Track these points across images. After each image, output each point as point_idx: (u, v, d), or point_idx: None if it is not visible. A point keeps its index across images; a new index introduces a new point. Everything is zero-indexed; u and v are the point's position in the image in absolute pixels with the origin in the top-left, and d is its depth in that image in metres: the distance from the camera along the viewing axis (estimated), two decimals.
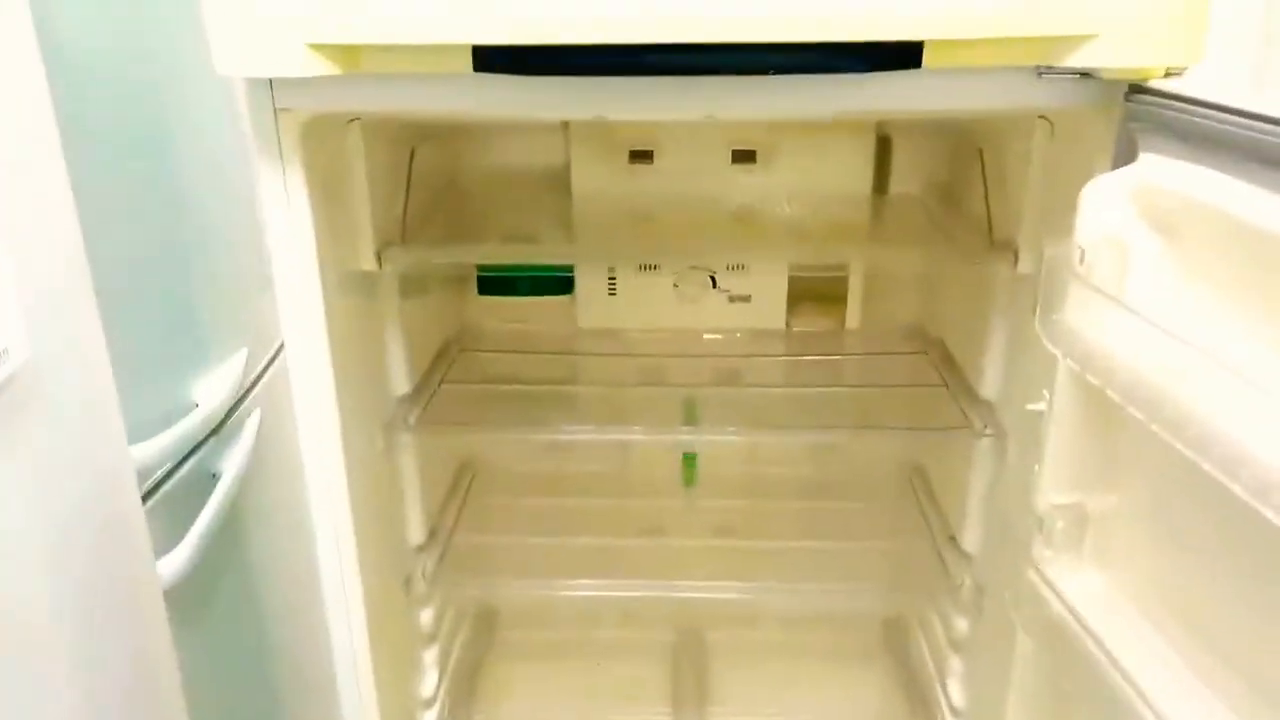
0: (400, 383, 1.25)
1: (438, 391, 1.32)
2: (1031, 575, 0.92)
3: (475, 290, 1.49)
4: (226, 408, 1.28)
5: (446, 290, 1.47)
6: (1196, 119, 0.74)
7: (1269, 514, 0.60)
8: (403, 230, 1.20)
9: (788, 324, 1.49)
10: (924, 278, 1.48)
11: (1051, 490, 0.91)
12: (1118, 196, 0.80)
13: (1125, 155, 0.84)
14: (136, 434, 0.96)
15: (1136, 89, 0.82)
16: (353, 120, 1.03)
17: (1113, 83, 0.83)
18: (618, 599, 1.36)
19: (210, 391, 1.25)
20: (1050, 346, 0.86)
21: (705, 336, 1.49)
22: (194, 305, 1.23)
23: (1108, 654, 0.82)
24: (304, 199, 0.92)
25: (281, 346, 1.50)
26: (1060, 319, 0.86)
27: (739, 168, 1.38)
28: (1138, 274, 0.81)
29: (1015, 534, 1.00)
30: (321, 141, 0.95)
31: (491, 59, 0.79)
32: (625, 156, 1.38)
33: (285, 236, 0.95)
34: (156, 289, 1.14)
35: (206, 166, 1.27)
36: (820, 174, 1.37)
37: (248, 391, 1.33)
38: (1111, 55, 0.79)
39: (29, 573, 0.72)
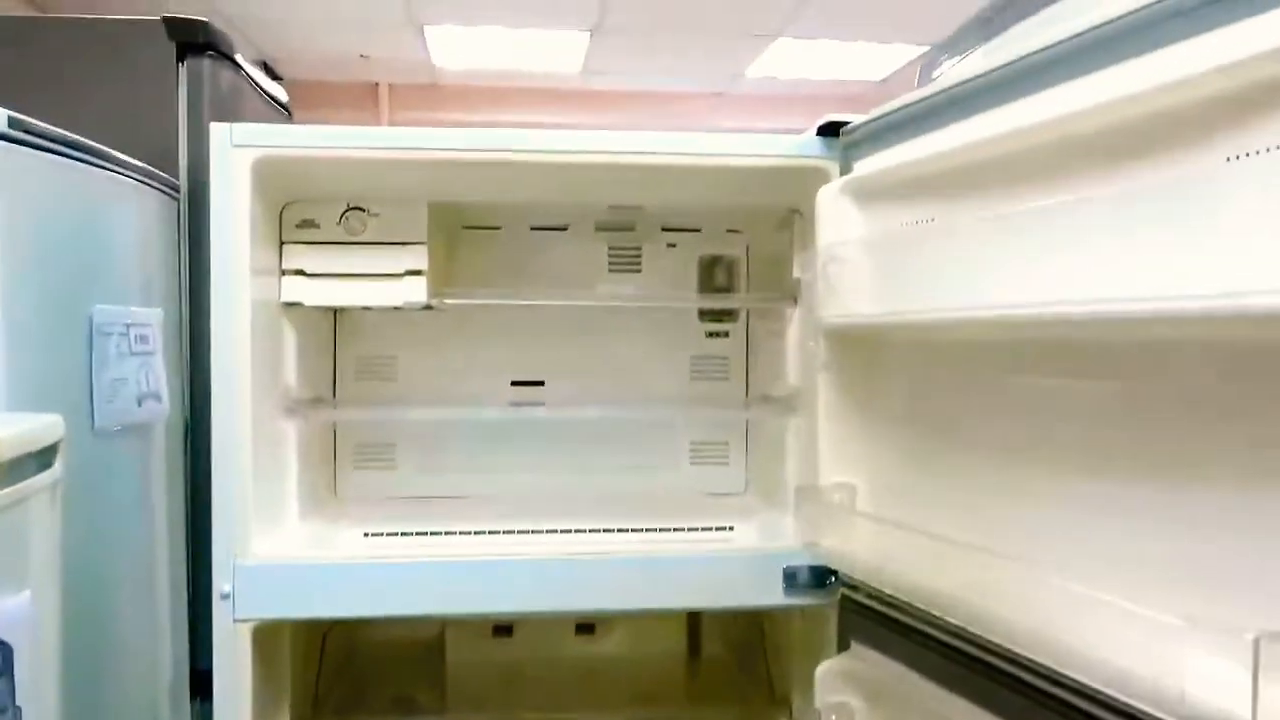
0: None
1: None
2: None
3: None
4: None
5: None
6: (874, 621, 1.16)
7: None
8: (315, 701, 1.47)
9: None
10: None
11: None
12: (836, 676, 1.19)
13: (843, 644, 1.25)
14: None
15: (846, 598, 1.24)
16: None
17: (831, 590, 1.25)
18: None
19: None
20: None
21: None
22: None
23: None
24: (248, 698, 1.21)
25: None
26: None
27: (582, 638, 1.73)
28: None
29: None
30: (264, 642, 1.26)
31: None
32: (489, 631, 1.72)
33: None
34: None
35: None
36: (646, 641, 1.74)
37: None
38: None
39: None
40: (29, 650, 0.95)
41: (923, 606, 0.99)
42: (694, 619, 1.78)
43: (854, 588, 1.21)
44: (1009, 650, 0.87)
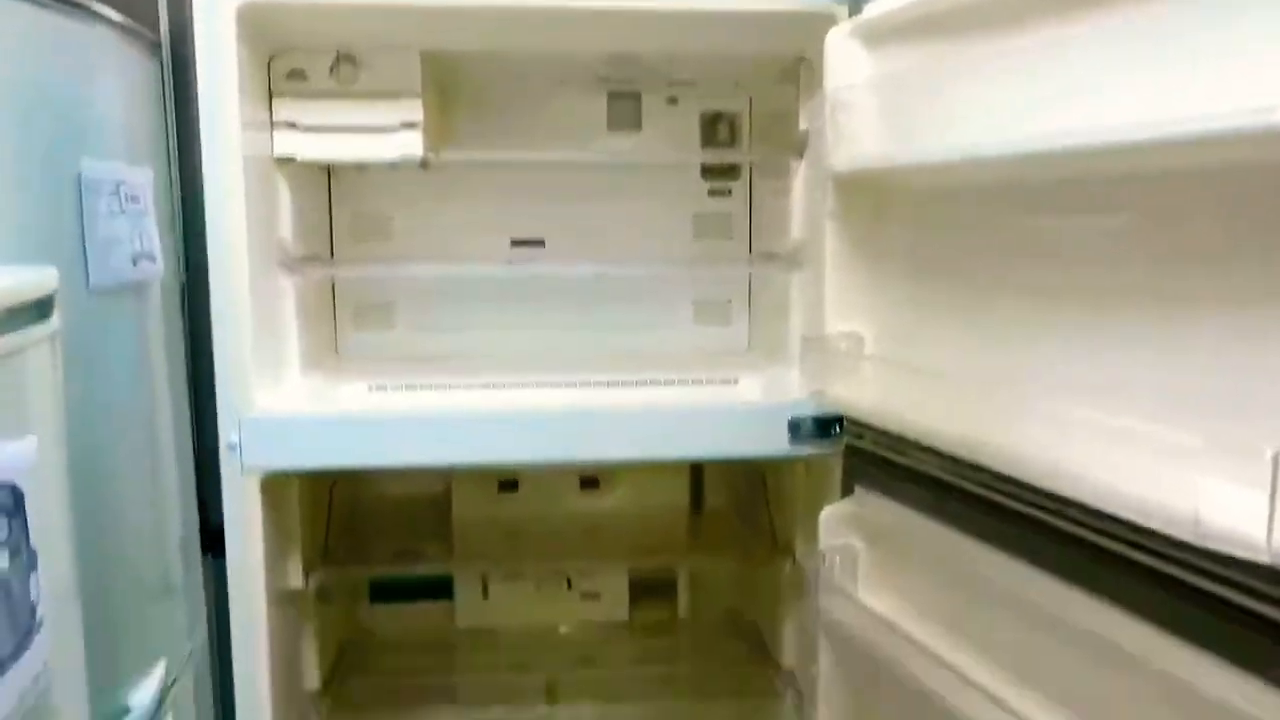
0: (311, 679, 1.49)
1: (341, 687, 1.56)
2: None
3: (368, 600, 1.76)
4: (151, 713, 1.49)
5: (346, 600, 1.74)
6: (878, 467, 1.17)
7: None
8: (325, 549, 1.50)
9: (630, 615, 1.82)
10: (735, 574, 1.86)
11: None
12: (840, 520, 1.21)
13: (847, 489, 1.26)
14: None
15: (850, 447, 1.25)
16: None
17: (836, 439, 1.26)
18: None
19: (139, 698, 1.47)
20: (813, 619, 1.24)
21: (562, 629, 1.80)
22: (135, 623, 1.48)
23: None
24: (260, 544, 1.23)
25: (188, 658, 1.73)
26: (816, 602, 1.23)
27: (586, 492, 1.76)
28: (861, 569, 1.21)
29: None
30: (272, 494, 1.27)
31: None
32: (495, 487, 1.74)
33: (245, 571, 1.24)
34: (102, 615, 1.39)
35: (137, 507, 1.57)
36: (649, 495, 1.77)
37: (164, 696, 1.54)
38: None
39: None
40: (39, 496, 0.96)
41: (930, 444, 0.99)
42: (696, 474, 1.81)
43: (859, 436, 1.22)
44: (1018, 479, 0.87)
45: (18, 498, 0.93)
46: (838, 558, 1.21)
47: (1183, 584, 0.76)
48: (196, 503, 1.78)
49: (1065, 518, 0.86)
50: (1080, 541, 0.85)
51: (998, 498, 0.95)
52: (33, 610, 0.94)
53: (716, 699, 1.64)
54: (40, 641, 0.95)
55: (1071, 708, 0.89)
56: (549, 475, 1.75)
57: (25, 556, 0.93)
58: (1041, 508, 0.89)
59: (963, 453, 0.93)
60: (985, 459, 0.90)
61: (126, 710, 1.43)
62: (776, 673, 1.59)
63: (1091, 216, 0.92)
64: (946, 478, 1.03)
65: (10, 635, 0.89)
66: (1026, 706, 0.91)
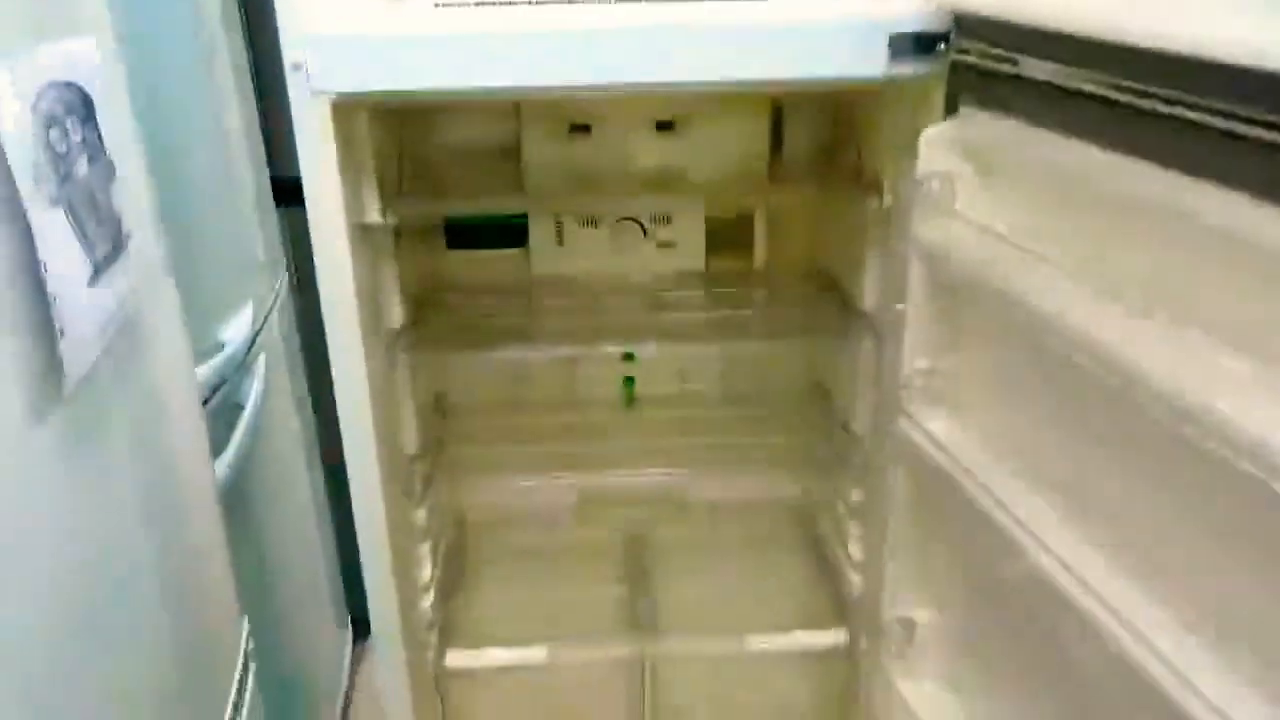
0: (395, 317, 1.51)
1: (425, 323, 1.59)
2: (902, 420, 1.25)
3: (444, 246, 1.76)
4: (245, 349, 1.53)
5: (422, 245, 1.74)
6: (990, 81, 1.08)
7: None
8: (399, 188, 1.47)
9: (707, 264, 1.80)
10: (814, 221, 1.81)
11: (912, 358, 1.23)
12: (944, 141, 1.13)
13: (951, 109, 1.17)
14: None
15: (956, 64, 1.15)
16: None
17: (940, 56, 1.16)
18: (575, 493, 1.66)
19: (231, 336, 1.50)
20: (905, 250, 1.19)
21: (636, 278, 1.79)
22: (218, 268, 1.49)
23: (959, 464, 1.15)
24: (335, 172, 1.19)
25: (274, 303, 1.76)
26: (911, 229, 1.18)
27: (661, 135, 1.68)
28: (962, 194, 1.14)
29: (892, 407, 1.31)
30: (343, 122, 1.21)
31: None
32: (566, 130, 1.67)
33: (322, 201, 1.21)
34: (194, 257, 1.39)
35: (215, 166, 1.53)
36: (728, 138, 1.69)
37: (255, 337, 1.58)
38: None
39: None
40: (105, 107, 0.91)
41: (1070, 30, 0.88)
42: (776, 117, 1.71)
43: (965, 51, 1.12)
44: (1192, 57, 0.75)
45: (87, 102, 0.88)
46: (937, 182, 1.14)
47: None
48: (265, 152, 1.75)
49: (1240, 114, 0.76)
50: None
51: (1142, 100, 0.85)
52: (118, 222, 0.92)
53: (792, 339, 1.65)
54: (130, 255, 0.94)
55: (1213, 331, 0.81)
56: (622, 116, 1.67)
57: (103, 165, 0.90)
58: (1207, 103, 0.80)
59: (1111, 35, 0.83)
60: (1130, 38, 0.80)
61: (221, 346, 1.47)
62: (855, 316, 1.58)
63: None
64: (1075, 84, 0.93)
65: (104, 238, 0.88)
66: (1158, 322, 0.84)
